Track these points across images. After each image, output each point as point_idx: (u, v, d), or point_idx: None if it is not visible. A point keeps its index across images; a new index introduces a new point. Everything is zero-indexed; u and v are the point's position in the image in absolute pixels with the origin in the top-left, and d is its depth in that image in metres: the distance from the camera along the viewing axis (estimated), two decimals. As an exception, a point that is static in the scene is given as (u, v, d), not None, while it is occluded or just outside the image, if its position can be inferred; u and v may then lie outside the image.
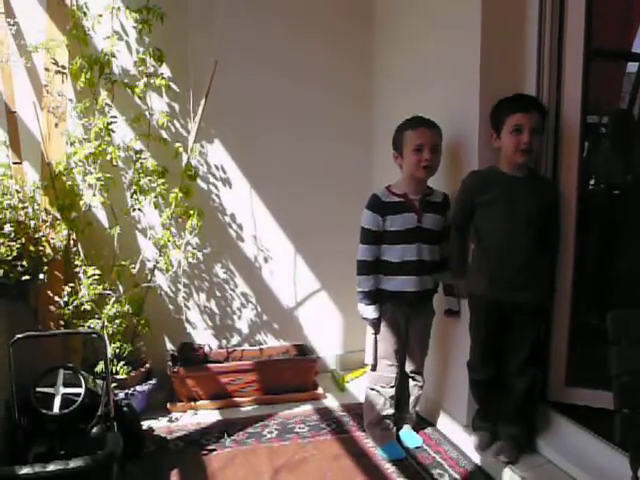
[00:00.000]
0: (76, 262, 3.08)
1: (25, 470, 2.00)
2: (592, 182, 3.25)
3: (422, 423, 3.13)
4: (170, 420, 3.21)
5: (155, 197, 3.17)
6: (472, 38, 2.71)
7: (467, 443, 2.85)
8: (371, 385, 2.90)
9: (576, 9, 2.62)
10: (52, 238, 3.03)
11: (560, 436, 2.67)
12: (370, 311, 2.78)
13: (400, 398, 2.93)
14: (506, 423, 2.71)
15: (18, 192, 2.90)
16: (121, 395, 2.98)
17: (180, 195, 3.19)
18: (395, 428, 2.94)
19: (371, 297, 2.77)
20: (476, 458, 2.78)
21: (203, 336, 3.68)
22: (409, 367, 2.91)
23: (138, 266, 3.28)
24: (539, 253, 2.56)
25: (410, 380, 2.94)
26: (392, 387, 2.86)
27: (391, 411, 2.88)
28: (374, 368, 2.86)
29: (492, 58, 2.70)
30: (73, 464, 2.04)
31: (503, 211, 2.56)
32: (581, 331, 2.83)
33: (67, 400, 2.35)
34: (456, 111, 2.88)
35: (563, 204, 2.66)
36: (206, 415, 3.27)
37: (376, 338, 2.83)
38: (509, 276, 2.56)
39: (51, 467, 2.02)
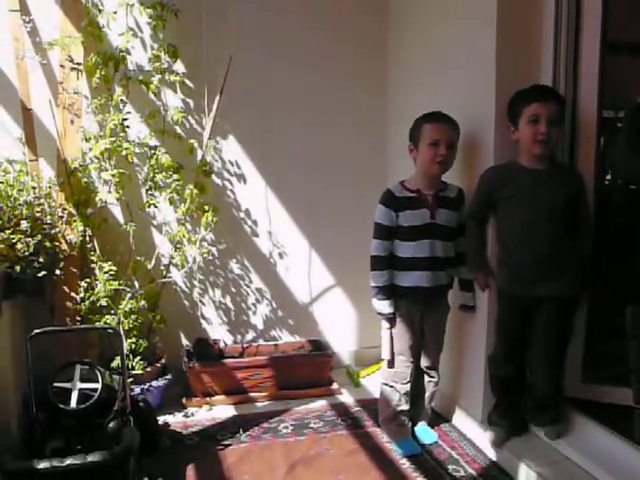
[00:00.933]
0: (92, 258, 3.10)
1: (43, 464, 2.01)
2: (608, 177, 3.22)
3: (437, 419, 3.12)
4: (186, 415, 3.22)
5: (170, 193, 3.17)
6: (488, 29, 2.69)
7: (483, 439, 2.84)
8: (386, 381, 2.90)
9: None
10: (68, 234, 3.05)
11: (576, 432, 2.65)
12: (384, 306, 2.78)
13: (415, 394, 2.92)
14: (542, 414, 2.72)
15: (34, 189, 2.91)
16: (137, 390, 3.00)
17: (195, 191, 3.19)
18: (410, 424, 2.93)
19: (385, 292, 2.77)
20: (492, 454, 2.76)
21: (218, 331, 3.69)
22: (424, 363, 2.90)
23: (153, 262, 3.30)
24: (564, 245, 2.53)
25: (425, 376, 2.93)
26: (407, 383, 2.85)
27: (406, 407, 2.88)
28: (391, 364, 2.86)
29: (508, 49, 2.68)
30: (91, 458, 2.05)
31: (523, 205, 2.55)
32: (598, 326, 2.81)
33: (84, 395, 2.37)
34: (472, 103, 2.87)
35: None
36: (221, 410, 3.28)
37: (391, 334, 2.82)
38: (531, 270, 2.55)
39: (69, 461, 2.03)
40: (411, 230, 2.71)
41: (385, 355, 2.87)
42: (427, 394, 2.94)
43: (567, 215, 2.54)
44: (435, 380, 2.93)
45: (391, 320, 2.81)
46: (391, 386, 2.87)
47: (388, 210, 2.74)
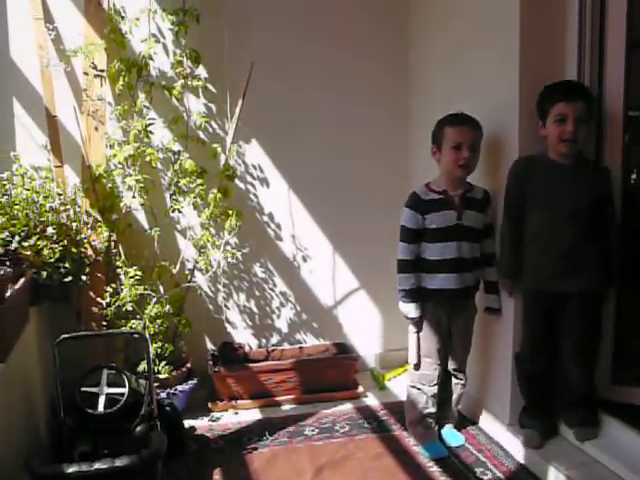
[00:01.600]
0: (117, 263, 3.12)
1: (72, 468, 2.02)
2: (634, 177, 3.18)
3: (464, 421, 3.10)
4: (211, 419, 3.22)
5: (194, 198, 3.19)
6: (511, 26, 2.67)
7: (510, 441, 2.81)
8: (413, 383, 2.88)
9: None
10: (93, 240, 3.07)
11: (606, 434, 2.62)
12: (411, 309, 2.76)
13: (442, 396, 2.90)
14: (573, 412, 2.69)
15: (59, 195, 2.93)
16: (163, 394, 3.01)
17: (219, 195, 3.20)
18: (437, 427, 2.91)
19: (412, 295, 2.75)
20: (520, 457, 2.73)
21: (243, 335, 3.69)
22: (452, 365, 2.88)
23: (178, 266, 3.31)
24: (589, 240, 2.51)
25: (453, 378, 2.91)
26: (434, 385, 2.83)
27: (433, 410, 2.86)
28: (417, 367, 2.85)
29: (531, 45, 2.65)
30: (119, 463, 2.06)
31: (548, 199, 2.54)
32: (628, 326, 2.78)
33: (111, 399, 2.38)
34: (495, 103, 2.85)
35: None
36: (247, 414, 3.28)
37: (418, 336, 2.81)
38: (555, 266, 2.53)
39: (97, 465, 2.04)
40: (438, 232, 2.70)
41: (412, 359, 2.86)
42: (454, 396, 2.92)
43: (592, 211, 2.52)
44: (462, 382, 2.91)
45: (417, 323, 2.80)
46: (418, 388, 2.85)
47: (414, 213, 2.73)
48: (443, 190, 2.73)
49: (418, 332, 2.81)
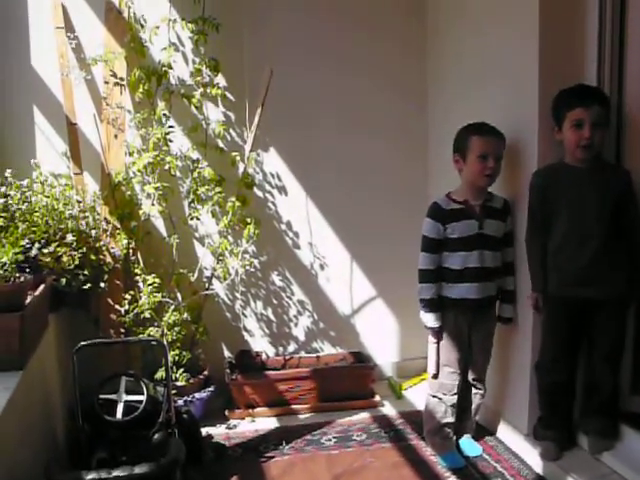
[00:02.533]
0: (136, 271, 3.13)
1: (91, 475, 2.03)
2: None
3: (481, 431, 3.07)
4: (228, 427, 3.22)
5: (212, 206, 3.20)
6: (530, 33, 2.66)
7: (528, 452, 2.79)
8: (433, 392, 2.86)
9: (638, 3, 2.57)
10: (112, 247, 3.09)
11: (625, 446, 2.59)
12: (432, 319, 2.76)
13: (462, 406, 2.88)
14: (593, 419, 2.67)
15: (79, 202, 2.96)
16: (180, 402, 3.01)
17: (237, 203, 3.21)
18: (455, 437, 2.89)
19: (432, 305, 2.75)
20: (538, 467, 2.71)
21: (260, 343, 3.69)
22: (471, 375, 2.86)
23: (196, 274, 3.31)
24: (613, 244, 2.50)
25: (472, 388, 2.89)
26: (454, 395, 2.82)
27: (452, 419, 2.84)
28: (436, 377, 2.83)
29: (551, 53, 2.64)
30: (138, 470, 2.06)
31: (571, 205, 2.52)
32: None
33: (129, 407, 2.37)
34: (514, 112, 2.84)
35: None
36: (264, 422, 3.28)
37: (438, 346, 2.80)
38: (581, 272, 2.52)
39: (116, 473, 2.04)
40: (460, 241, 2.70)
41: (431, 368, 2.85)
42: (473, 406, 2.90)
43: (615, 214, 2.50)
44: (482, 392, 2.88)
45: (437, 334, 2.79)
46: (439, 398, 2.83)
47: (435, 223, 2.72)
48: (464, 200, 2.73)
49: (438, 342, 2.80)
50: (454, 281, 2.73)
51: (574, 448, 2.73)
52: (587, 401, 2.71)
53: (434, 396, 2.85)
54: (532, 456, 2.76)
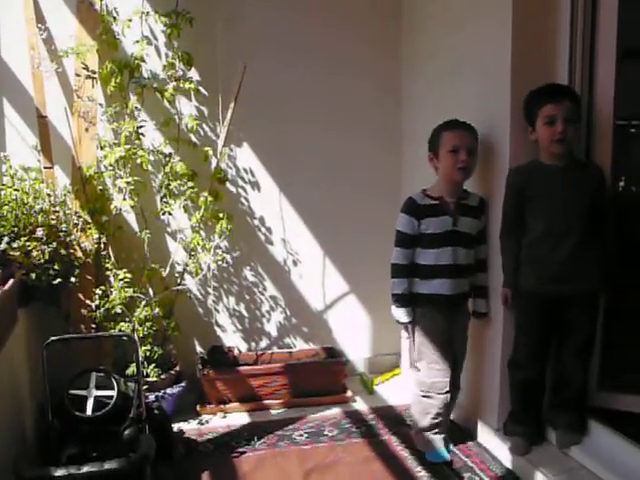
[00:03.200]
0: (107, 265, 3.10)
1: (60, 471, 2.01)
2: (622, 184, 3.20)
3: (452, 426, 3.09)
4: (200, 423, 3.22)
5: (185, 201, 3.19)
6: (503, 33, 2.68)
7: (498, 447, 2.82)
8: (424, 392, 2.79)
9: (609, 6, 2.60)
10: (83, 242, 3.06)
11: (593, 440, 2.63)
12: (403, 314, 2.77)
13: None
14: (562, 413, 2.71)
15: (49, 196, 2.92)
16: (151, 398, 2.99)
17: (210, 198, 3.20)
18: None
19: (404, 300, 2.76)
20: (507, 462, 2.75)
21: (232, 339, 3.69)
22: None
23: (168, 269, 3.30)
24: (588, 241, 2.53)
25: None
26: (446, 393, 2.77)
27: (443, 418, 2.82)
28: (414, 365, 2.85)
29: (523, 53, 2.67)
30: (108, 466, 2.05)
31: (546, 203, 2.55)
32: (616, 333, 2.80)
33: (99, 402, 2.36)
34: (486, 109, 2.86)
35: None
36: (235, 418, 3.28)
37: (412, 342, 2.81)
38: (558, 269, 2.55)
39: (86, 469, 2.03)
40: (433, 237, 2.71)
41: (405, 365, 2.85)
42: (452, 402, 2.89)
43: (589, 211, 2.53)
44: (458, 388, 2.90)
45: (408, 328, 2.80)
46: (430, 397, 2.78)
47: (410, 218, 2.73)
48: (439, 196, 2.74)
49: (411, 338, 2.81)
50: (427, 277, 2.74)
51: (543, 443, 2.77)
52: (556, 396, 2.75)
53: (425, 395, 2.79)
54: (502, 451, 2.79)
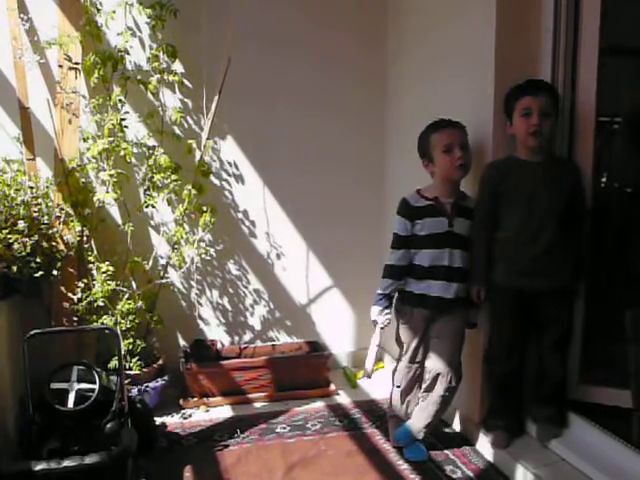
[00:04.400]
0: (89, 258, 3.08)
1: (40, 466, 2.01)
2: (604, 180, 3.22)
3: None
4: (183, 416, 3.21)
5: (168, 193, 3.17)
6: (487, 29, 2.69)
7: (480, 440, 2.84)
8: (396, 383, 2.89)
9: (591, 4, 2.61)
10: (65, 234, 3.04)
11: (574, 434, 2.65)
12: (376, 312, 2.76)
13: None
14: (542, 406, 2.72)
15: (31, 188, 2.90)
16: (134, 391, 2.99)
17: (193, 191, 3.18)
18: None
19: (385, 300, 2.75)
20: (489, 455, 2.76)
21: (216, 332, 3.68)
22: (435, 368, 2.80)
23: (151, 262, 3.29)
24: (563, 237, 2.54)
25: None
26: (411, 386, 2.84)
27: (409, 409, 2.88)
28: (369, 377, 2.87)
29: (507, 50, 2.68)
30: (88, 460, 2.05)
31: (522, 198, 2.55)
32: (596, 328, 2.82)
33: (81, 396, 2.36)
34: (470, 106, 2.86)
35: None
36: (219, 411, 3.27)
37: (378, 347, 2.83)
38: (531, 263, 2.56)
39: (66, 463, 2.03)
40: (429, 239, 2.68)
41: (368, 366, 2.84)
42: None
43: (565, 207, 2.54)
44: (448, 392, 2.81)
45: (378, 331, 2.79)
46: (398, 386, 2.87)
47: (403, 220, 2.72)
48: (434, 197, 2.72)
49: (397, 342, 2.85)
50: (421, 277, 2.71)
51: (524, 436, 2.79)
52: (536, 389, 2.76)
53: (398, 386, 2.87)
54: (483, 443, 2.81)
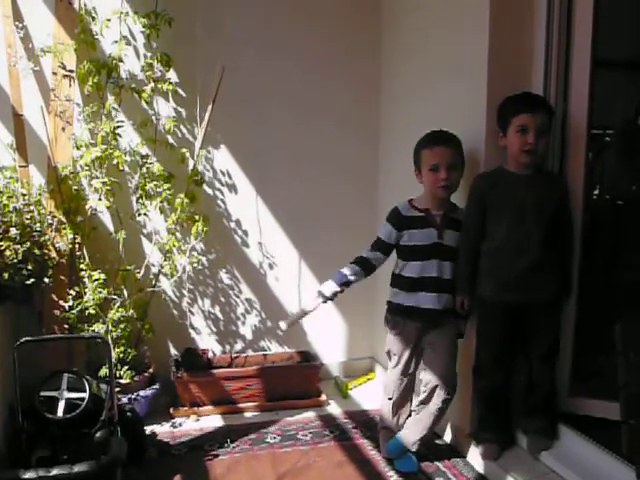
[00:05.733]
0: (81, 266, 3.08)
1: (29, 474, 2.00)
2: (596, 192, 3.24)
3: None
4: (173, 425, 3.20)
5: (161, 202, 3.16)
6: (480, 42, 2.70)
7: (470, 452, 2.84)
8: (386, 394, 2.90)
9: (584, 11, 2.63)
10: (57, 242, 3.03)
11: (564, 446, 2.66)
12: (332, 291, 2.79)
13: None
14: (532, 418, 2.72)
15: (24, 195, 2.90)
16: (124, 400, 2.98)
17: (186, 200, 3.18)
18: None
19: (345, 286, 2.78)
20: (479, 467, 2.76)
21: (207, 341, 3.67)
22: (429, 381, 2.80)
23: (143, 271, 3.28)
24: (550, 250, 2.54)
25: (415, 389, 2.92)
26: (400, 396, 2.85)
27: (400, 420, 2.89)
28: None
29: (500, 63, 2.68)
30: (77, 469, 2.05)
31: (510, 211, 2.56)
32: (586, 340, 2.83)
33: (71, 404, 2.35)
34: (462, 117, 2.86)
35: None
36: (209, 420, 3.27)
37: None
38: (518, 276, 2.55)
39: (55, 471, 2.02)
40: (417, 249, 2.69)
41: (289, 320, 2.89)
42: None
43: (552, 220, 2.55)
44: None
45: (322, 302, 2.83)
46: (389, 398, 2.88)
47: (390, 228, 2.74)
48: (425, 208, 2.73)
49: (388, 354, 2.86)
50: (410, 289, 2.72)
51: (514, 447, 2.79)
52: (525, 401, 2.76)
53: (389, 398, 2.88)
54: (474, 455, 2.81)
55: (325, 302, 2.81)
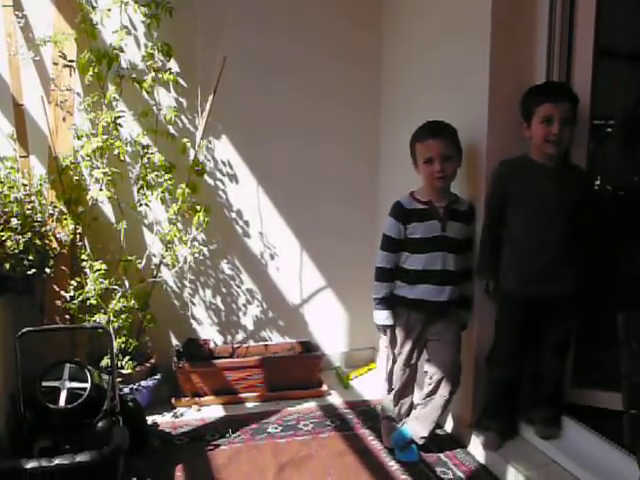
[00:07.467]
0: (82, 256, 3.07)
1: (31, 464, 2.00)
2: (597, 183, 3.23)
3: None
4: (175, 415, 3.21)
5: (162, 192, 3.16)
6: (481, 40, 2.69)
7: (472, 442, 2.85)
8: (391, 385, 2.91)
9: (586, 11, 2.62)
10: (58, 232, 3.03)
11: (565, 436, 2.67)
12: (384, 317, 2.77)
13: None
14: (539, 409, 2.74)
15: (25, 186, 2.90)
16: (126, 390, 2.98)
17: (187, 190, 3.18)
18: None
19: (386, 303, 2.76)
20: (480, 456, 2.77)
21: (208, 332, 3.67)
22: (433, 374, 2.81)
23: (144, 261, 3.28)
24: (572, 243, 2.54)
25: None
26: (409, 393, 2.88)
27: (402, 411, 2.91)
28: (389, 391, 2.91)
29: (502, 59, 2.68)
30: (79, 458, 2.05)
31: (532, 202, 2.55)
32: (588, 331, 2.83)
33: (73, 394, 2.35)
34: (464, 116, 2.84)
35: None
36: (211, 411, 3.27)
37: (392, 351, 2.84)
38: (540, 269, 2.55)
39: (57, 461, 2.02)
40: (421, 242, 2.69)
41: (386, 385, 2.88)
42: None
43: (575, 213, 2.54)
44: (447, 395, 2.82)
45: (387, 332, 2.82)
46: (392, 388, 2.90)
47: (396, 223, 2.72)
48: (428, 200, 2.72)
49: (391, 344, 2.84)
50: (414, 282, 2.72)
51: (516, 438, 2.79)
52: (533, 392, 2.77)
53: (393, 388, 2.90)
54: (475, 445, 2.82)
55: (388, 329, 2.82)
